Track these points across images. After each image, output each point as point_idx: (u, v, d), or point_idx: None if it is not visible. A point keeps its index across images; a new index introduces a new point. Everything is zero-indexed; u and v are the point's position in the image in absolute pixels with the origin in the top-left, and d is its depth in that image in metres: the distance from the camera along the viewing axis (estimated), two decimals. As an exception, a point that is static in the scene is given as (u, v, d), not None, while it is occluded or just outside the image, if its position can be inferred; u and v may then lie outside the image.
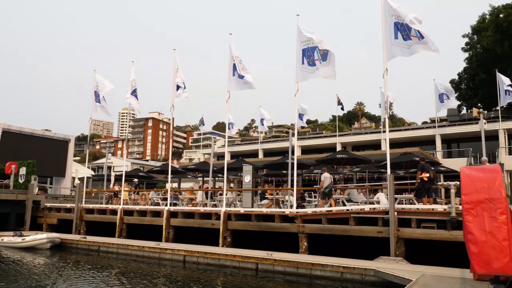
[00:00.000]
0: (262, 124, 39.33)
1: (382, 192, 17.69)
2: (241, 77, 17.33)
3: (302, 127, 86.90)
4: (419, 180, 14.54)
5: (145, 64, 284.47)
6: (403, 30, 13.53)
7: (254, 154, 45.70)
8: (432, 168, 15.10)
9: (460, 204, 10.30)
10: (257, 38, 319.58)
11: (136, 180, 27.20)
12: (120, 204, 21.13)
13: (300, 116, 31.04)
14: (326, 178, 16.46)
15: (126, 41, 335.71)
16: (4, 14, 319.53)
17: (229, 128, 25.98)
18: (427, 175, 14.38)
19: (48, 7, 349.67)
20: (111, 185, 30.85)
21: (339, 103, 38.49)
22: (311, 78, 15.75)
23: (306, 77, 15.78)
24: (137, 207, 20.70)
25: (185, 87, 20.36)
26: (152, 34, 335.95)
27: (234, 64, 17.54)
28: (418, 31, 13.05)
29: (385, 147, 15.99)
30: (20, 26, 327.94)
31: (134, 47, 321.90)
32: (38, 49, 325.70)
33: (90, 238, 18.86)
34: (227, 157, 23.11)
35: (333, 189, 17.14)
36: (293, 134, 19.01)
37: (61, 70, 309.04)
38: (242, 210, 17.04)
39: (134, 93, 21.81)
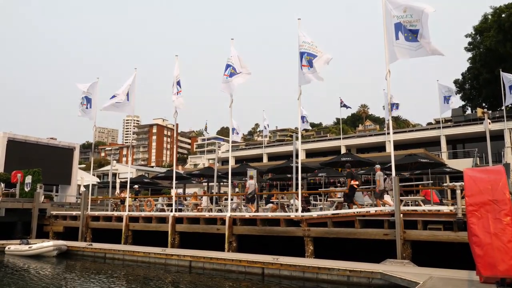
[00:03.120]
0: (266, 128, 39.40)
1: (387, 194, 17.62)
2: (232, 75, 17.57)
3: (306, 130, 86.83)
4: (349, 187, 15.43)
5: (148, 69, 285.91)
6: (406, 30, 13.41)
7: (259, 158, 45.71)
8: (359, 177, 16.34)
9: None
10: (261, 40, 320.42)
11: (136, 186, 27.29)
12: (125, 211, 21.19)
13: (303, 119, 31.07)
14: (251, 185, 17.81)
15: (129, 47, 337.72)
16: (10, 22, 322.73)
17: (233, 134, 26.05)
18: (357, 182, 15.35)
19: (52, 13, 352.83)
20: (117, 192, 30.93)
21: (342, 105, 38.43)
22: (308, 82, 15.93)
23: (305, 80, 15.91)
24: (143, 214, 20.75)
25: (176, 93, 20.41)
26: (155, 38, 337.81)
27: (227, 65, 17.71)
28: (416, 30, 13.00)
29: (390, 149, 15.96)
30: (25, 33, 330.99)
31: (137, 52, 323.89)
32: (41, 56, 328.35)
33: (96, 245, 18.91)
34: (232, 162, 23.13)
35: (255, 195, 18.40)
36: (297, 138, 19.01)
37: (64, 78, 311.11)
38: (247, 214, 17.03)
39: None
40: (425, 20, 12.93)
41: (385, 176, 16.25)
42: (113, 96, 21.72)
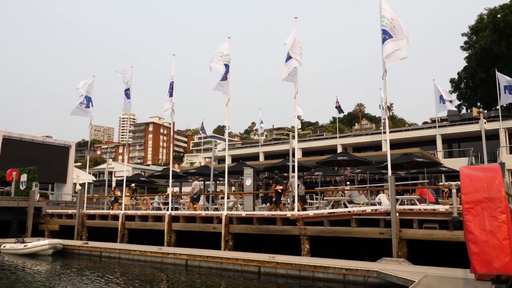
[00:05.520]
0: (261, 126, 39.47)
1: (383, 193, 17.70)
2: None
3: (302, 129, 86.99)
4: (274, 191, 16.51)
5: (145, 68, 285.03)
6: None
7: (255, 157, 45.68)
8: (284, 181, 17.31)
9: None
10: (258, 39, 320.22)
11: (133, 185, 27.16)
12: (121, 209, 21.14)
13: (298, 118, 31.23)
14: (196, 185, 19.17)
15: (127, 46, 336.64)
16: (5, 22, 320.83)
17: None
18: (281, 187, 16.30)
19: (49, 12, 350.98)
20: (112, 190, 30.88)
21: (337, 106, 38.57)
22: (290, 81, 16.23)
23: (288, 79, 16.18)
24: (139, 212, 20.71)
25: (171, 95, 20.46)
26: (152, 38, 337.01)
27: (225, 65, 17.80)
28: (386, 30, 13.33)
29: (386, 148, 16.02)
30: (21, 31, 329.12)
31: (134, 52, 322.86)
32: (38, 55, 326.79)
33: (92, 244, 18.85)
34: (228, 161, 23.13)
35: (200, 195, 19.70)
36: (293, 137, 19.04)
37: (60, 76, 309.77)
38: (243, 213, 17.04)
39: (127, 91, 22.20)
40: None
41: (299, 183, 16.91)
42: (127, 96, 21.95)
